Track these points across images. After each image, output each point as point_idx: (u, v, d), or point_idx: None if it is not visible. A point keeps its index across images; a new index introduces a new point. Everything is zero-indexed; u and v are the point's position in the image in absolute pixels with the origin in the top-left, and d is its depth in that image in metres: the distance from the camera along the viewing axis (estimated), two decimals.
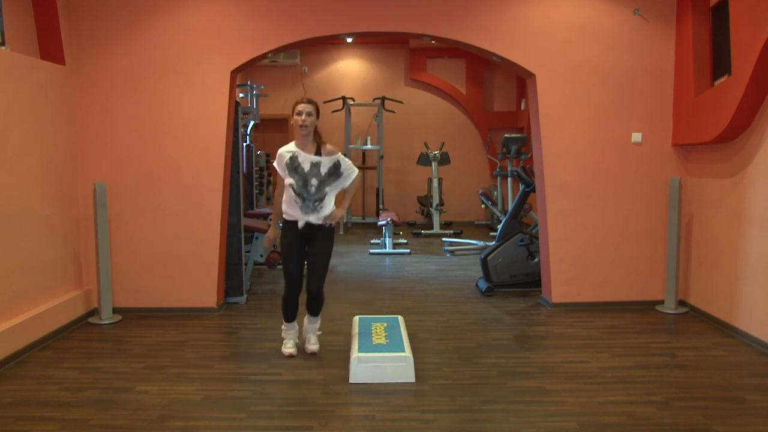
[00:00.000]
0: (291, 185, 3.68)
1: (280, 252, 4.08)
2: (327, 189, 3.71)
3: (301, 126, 3.65)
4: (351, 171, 3.78)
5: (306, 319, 3.99)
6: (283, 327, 3.97)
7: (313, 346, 3.96)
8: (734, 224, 4.33)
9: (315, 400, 3.24)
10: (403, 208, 10.76)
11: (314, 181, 3.68)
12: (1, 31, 4.09)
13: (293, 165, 3.69)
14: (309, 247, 3.81)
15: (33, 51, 4.56)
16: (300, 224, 3.71)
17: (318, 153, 3.71)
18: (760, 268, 4.03)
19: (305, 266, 3.88)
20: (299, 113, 3.65)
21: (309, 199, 3.68)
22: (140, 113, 4.84)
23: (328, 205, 3.73)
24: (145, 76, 4.83)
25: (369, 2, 4.86)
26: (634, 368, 3.66)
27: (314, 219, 3.71)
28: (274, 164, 3.78)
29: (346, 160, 3.80)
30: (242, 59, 4.86)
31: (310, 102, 3.70)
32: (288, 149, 3.75)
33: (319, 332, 4.04)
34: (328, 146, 3.76)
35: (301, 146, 3.73)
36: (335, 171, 3.73)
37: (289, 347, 3.93)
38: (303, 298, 3.87)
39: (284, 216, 3.80)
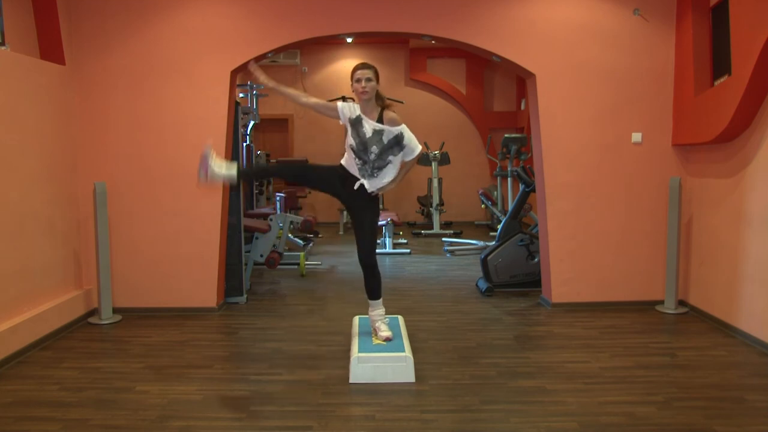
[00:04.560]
0: (351, 146, 3.60)
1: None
2: (390, 158, 3.59)
3: (362, 93, 3.53)
4: (414, 147, 3.63)
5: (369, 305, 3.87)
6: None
7: (383, 333, 3.74)
8: (734, 224, 4.33)
9: (315, 400, 3.24)
10: (403, 208, 10.75)
11: (374, 149, 3.56)
12: (1, 31, 4.09)
13: (356, 126, 3.57)
14: (355, 216, 3.74)
15: (33, 51, 4.56)
16: (356, 185, 3.62)
17: (380, 120, 3.57)
18: (760, 268, 4.03)
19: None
20: (358, 80, 3.53)
21: (368, 163, 3.59)
22: (140, 113, 4.84)
23: (388, 175, 3.63)
24: (146, 76, 4.83)
25: (369, 2, 4.86)
26: (634, 368, 3.66)
27: (368, 185, 3.62)
28: (339, 104, 3.62)
29: (410, 134, 3.62)
30: (242, 59, 4.85)
31: (367, 66, 3.57)
32: (355, 107, 3.62)
33: (386, 320, 3.84)
34: (391, 114, 3.58)
35: (365, 111, 3.60)
36: (398, 143, 3.58)
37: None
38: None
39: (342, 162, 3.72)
